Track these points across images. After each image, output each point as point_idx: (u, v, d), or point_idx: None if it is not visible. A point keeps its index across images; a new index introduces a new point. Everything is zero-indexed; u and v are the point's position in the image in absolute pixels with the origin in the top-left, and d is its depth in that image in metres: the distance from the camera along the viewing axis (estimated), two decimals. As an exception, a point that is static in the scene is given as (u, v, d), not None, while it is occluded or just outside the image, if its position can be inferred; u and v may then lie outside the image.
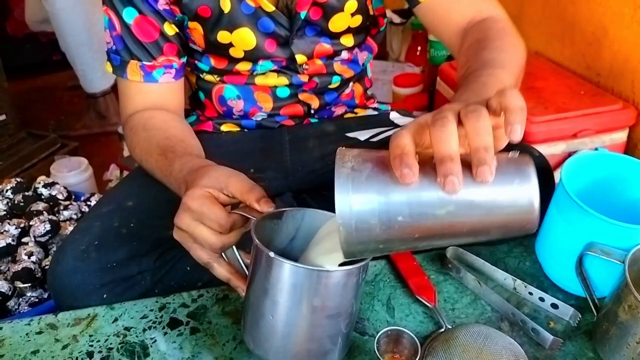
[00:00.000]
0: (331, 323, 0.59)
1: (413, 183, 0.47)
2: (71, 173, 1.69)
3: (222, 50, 0.89)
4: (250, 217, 0.61)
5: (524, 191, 0.48)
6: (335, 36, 0.91)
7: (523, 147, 0.88)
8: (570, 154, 1.33)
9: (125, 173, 1.80)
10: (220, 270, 0.64)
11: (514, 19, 1.91)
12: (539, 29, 1.71)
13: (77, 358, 0.69)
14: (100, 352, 0.70)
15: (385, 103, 1.09)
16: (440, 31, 0.90)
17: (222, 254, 0.65)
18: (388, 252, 0.57)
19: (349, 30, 0.90)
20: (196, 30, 0.86)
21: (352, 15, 0.88)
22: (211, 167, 0.69)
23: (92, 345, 0.70)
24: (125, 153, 1.76)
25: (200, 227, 0.61)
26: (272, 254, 0.56)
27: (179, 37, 0.88)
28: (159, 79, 0.87)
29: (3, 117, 1.96)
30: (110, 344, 0.71)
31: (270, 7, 0.84)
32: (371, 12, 0.91)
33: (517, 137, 0.46)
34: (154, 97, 0.89)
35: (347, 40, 0.92)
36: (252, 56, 0.89)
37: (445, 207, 0.48)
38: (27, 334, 0.72)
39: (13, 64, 2.46)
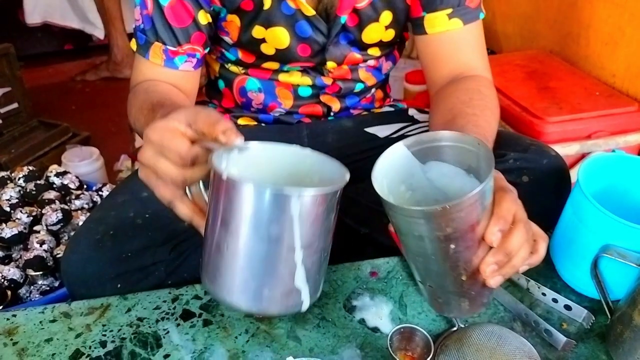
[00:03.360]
0: (293, 257, 0.53)
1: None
2: (82, 162, 1.70)
3: (253, 46, 0.88)
4: (213, 148, 0.56)
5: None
6: (365, 47, 0.91)
7: (539, 147, 0.87)
8: (584, 155, 1.32)
9: (137, 164, 1.80)
10: (183, 209, 0.60)
11: (530, 18, 1.90)
12: (555, 28, 1.70)
13: (90, 347, 0.69)
14: (113, 341, 0.70)
15: (399, 100, 1.09)
16: (434, 68, 0.90)
17: (188, 192, 0.60)
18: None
19: (379, 43, 0.90)
20: (233, 23, 0.85)
21: (387, 28, 0.88)
22: (185, 105, 0.66)
23: (105, 335, 0.71)
24: (137, 144, 1.76)
25: (162, 161, 0.57)
26: (225, 175, 0.51)
27: (209, 28, 0.86)
28: (179, 66, 0.85)
29: (15, 105, 1.97)
30: (123, 334, 0.71)
31: (310, 11, 0.83)
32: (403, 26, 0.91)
33: (496, 282, 0.58)
34: (169, 81, 0.87)
35: (375, 51, 0.93)
36: (283, 57, 0.88)
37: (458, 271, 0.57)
38: (40, 322, 0.73)
39: (25, 52, 2.47)
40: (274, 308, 0.56)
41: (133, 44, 0.87)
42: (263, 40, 0.86)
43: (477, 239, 0.54)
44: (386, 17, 0.87)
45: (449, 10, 0.85)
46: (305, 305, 0.57)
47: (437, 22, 0.86)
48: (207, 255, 0.56)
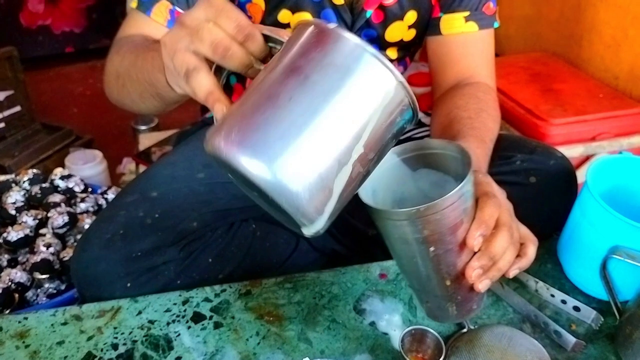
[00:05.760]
0: (352, 148, 0.46)
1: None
2: (86, 165, 1.70)
3: None
4: (277, 37, 0.50)
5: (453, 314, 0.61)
6: (385, 47, 0.91)
7: (546, 148, 0.88)
8: (588, 157, 1.33)
9: (141, 167, 1.80)
10: (205, 78, 0.51)
11: (532, 21, 1.90)
12: (558, 30, 1.71)
13: (102, 350, 0.69)
14: (125, 344, 0.70)
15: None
16: (441, 70, 0.91)
17: None
18: None
19: (400, 42, 0.91)
20: (257, 5, 0.84)
21: (409, 27, 0.89)
22: None
23: (116, 338, 0.71)
24: (141, 147, 1.77)
25: (212, 24, 0.49)
26: (333, 24, 0.46)
27: None
28: None
29: (18, 108, 1.97)
30: (135, 336, 0.71)
31: (339, 0, 0.83)
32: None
33: (484, 286, 0.56)
34: None
35: (393, 52, 0.93)
36: None
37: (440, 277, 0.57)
38: (52, 325, 0.73)
39: (25, 55, 2.47)
40: (295, 194, 0.45)
41: (134, 2, 0.80)
42: (287, 26, 0.86)
43: (457, 242, 0.55)
44: (411, 16, 0.87)
45: (467, 13, 0.86)
46: (319, 225, 0.47)
47: (454, 24, 0.87)
48: (248, 109, 0.47)
